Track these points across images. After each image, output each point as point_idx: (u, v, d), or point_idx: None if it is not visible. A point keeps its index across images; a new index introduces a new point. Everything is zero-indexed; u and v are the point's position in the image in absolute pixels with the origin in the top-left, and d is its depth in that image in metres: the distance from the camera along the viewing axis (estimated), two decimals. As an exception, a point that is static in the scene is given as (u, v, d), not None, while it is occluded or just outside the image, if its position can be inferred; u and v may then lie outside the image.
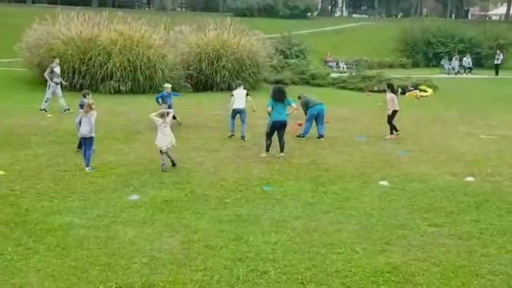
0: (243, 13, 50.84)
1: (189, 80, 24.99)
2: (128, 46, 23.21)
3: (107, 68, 22.55)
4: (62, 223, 7.55)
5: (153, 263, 6.30)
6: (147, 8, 65.68)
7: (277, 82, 26.52)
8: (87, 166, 10.43)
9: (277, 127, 11.74)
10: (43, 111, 17.22)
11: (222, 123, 16.18)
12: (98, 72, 22.45)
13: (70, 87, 21.76)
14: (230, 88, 25.07)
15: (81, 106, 11.40)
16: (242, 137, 13.68)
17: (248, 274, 6.07)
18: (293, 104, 12.17)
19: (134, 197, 8.79)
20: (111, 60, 22.54)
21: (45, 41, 23.61)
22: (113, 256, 6.46)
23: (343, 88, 27.88)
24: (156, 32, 24.80)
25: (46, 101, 17.67)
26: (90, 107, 10.56)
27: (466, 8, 69.84)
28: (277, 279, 5.97)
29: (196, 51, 25.43)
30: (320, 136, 14.00)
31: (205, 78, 25.44)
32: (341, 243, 6.97)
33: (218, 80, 25.27)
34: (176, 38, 26.33)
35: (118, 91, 22.46)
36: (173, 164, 10.76)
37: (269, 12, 52.95)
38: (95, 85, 21.98)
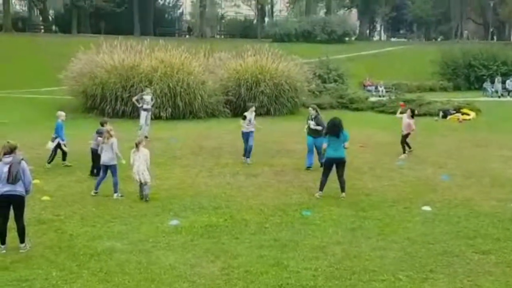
0: (282, 38, 51.25)
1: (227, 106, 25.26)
2: (169, 73, 23.73)
3: (148, 95, 23.05)
4: (104, 248, 7.68)
5: (193, 289, 6.31)
6: (187, 36, 67.09)
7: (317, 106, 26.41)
8: (115, 192, 10.54)
9: (335, 164, 10.60)
10: (146, 138, 16.16)
11: (261, 148, 16.22)
12: (140, 99, 22.92)
13: (113, 114, 22.32)
14: (268, 113, 25.28)
15: (99, 133, 11.66)
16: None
17: (289, 301, 6.00)
18: (347, 143, 10.79)
19: (175, 222, 8.87)
20: (152, 87, 23.04)
21: (89, 70, 24.38)
22: (154, 281, 6.51)
23: (382, 112, 27.54)
24: (196, 59, 25.26)
25: (140, 129, 17.97)
26: (109, 133, 10.67)
27: (491, 30, 67.89)
28: (318, 306, 5.89)
29: (235, 76, 25.71)
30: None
31: (244, 103, 25.59)
32: (383, 270, 6.82)
33: (256, 105, 25.38)
34: (215, 65, 26.74)
35: (158, 117, 22.87)
36: (146, 200, 10.29)
37: (307, 37, 53.20)
38: (137, 111, 22.47)
